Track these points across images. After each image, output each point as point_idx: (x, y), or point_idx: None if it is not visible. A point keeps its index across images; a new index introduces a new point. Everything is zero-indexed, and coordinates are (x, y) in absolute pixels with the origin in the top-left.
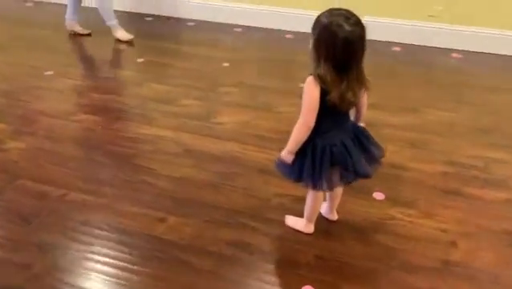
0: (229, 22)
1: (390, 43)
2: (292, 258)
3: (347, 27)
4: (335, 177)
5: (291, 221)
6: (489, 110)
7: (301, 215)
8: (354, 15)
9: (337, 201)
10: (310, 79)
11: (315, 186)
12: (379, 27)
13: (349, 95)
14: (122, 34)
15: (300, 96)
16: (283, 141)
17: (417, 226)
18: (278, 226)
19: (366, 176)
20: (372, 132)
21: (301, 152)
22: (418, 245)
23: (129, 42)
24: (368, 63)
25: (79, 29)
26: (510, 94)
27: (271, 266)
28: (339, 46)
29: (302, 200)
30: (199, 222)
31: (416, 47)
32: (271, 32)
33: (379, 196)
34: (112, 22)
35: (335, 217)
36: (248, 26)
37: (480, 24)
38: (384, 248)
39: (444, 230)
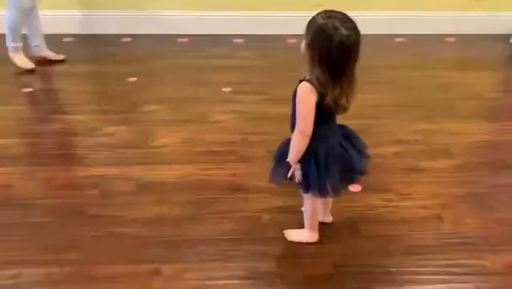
0: (115, 32)
1: (284, 36)
2: (314, 273)
3: (343, 31)
4: (337, 180)
5: (293, 234)
6: (400, 87)
7: (295, 226)
8: (350, 19)
9: (330, 203)
10: (305, 86)
11: (322, 193)
12: (273, 21)
13: (343, 100)
14: (22, 60)
15: (228, 101)
16: (236, 152)
17: (402, 209)
18: (282, 244)
19: (364, 172)
20: None
21: (303, 162)
22: (411, 227)
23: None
24: (271, 58)
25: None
26: (406, 69)
27: None
28: (334, 50)
29: (290, 209)
30: (199, 263)
31: None
32: (161, 38)
33: (355, 188)
34: (17, 44)
35: (330, 218)
36: (135, 35)
37: (360, 8)
38: (385, 238)
39: (425, 207)
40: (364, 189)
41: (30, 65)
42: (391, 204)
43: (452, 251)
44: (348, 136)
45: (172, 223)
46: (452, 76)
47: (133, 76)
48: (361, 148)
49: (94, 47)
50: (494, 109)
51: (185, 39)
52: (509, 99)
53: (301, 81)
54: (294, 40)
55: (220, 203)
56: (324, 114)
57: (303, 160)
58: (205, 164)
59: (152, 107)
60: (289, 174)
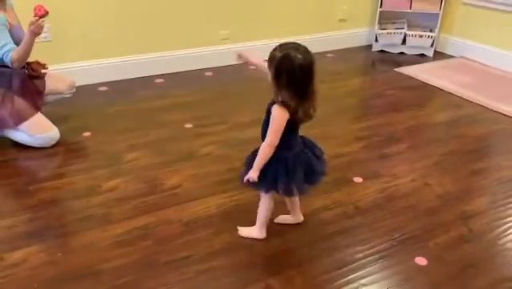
0: None
1: (203, 70)
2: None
3: (299, 55)
4: (302, 181)
5: (245, 231)
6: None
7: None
8: (301, 45)
9: (298, 204)
10: (278, 108)
11: (288, 193)
12: (191, 58)
13: (311, 111)
14: None
15: (199, 135)
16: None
17: (401, 186)
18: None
19: (324, 174)
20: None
21: (271, 166)
22: (415, 197)
23: None
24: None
25: None
26: None
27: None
28: (297, 72)
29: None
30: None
31: (222, 68)
32: (80, 89)
33: (358, 179)
34: None
35: (301, 218)
36: None
37: (258, 38)
38: (411, 208)
39: (414, 180)
40: (365, 179)
41: None
42: (390, 184)
43: (447, 207)
44: (309, 144)
45: (248, 245)
46: (348, 84)
47: (85, 131)
48: (319, 154)
49: None
50: (398, 102)
51: (105, 88)
52: (401, 93)
53: (273, 103)
54: (210, 73)
55: (273, 216)
56: (292, 126)
57: (272, 166)
58: (228, 193)
59: (131, 156)
60: (244, 179)
